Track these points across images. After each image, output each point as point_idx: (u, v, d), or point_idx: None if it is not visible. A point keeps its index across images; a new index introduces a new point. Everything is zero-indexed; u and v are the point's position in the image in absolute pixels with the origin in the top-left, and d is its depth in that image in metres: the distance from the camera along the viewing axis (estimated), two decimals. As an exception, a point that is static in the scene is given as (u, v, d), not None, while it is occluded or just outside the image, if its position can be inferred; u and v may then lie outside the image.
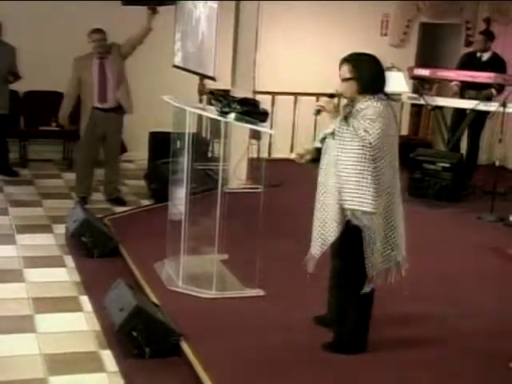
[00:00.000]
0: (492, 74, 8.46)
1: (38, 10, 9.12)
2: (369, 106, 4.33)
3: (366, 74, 4.39)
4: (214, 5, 7.89)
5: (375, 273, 4.46)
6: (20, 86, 9.09)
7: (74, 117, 7.89)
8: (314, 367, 4.45)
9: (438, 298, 5.61)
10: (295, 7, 9.95)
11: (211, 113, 5.55)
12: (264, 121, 5.26)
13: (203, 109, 5.94)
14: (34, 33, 9.02)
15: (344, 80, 4.42)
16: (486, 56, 8.98)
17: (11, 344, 4.78)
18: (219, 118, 5.39)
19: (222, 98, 5.35)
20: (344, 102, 4.62)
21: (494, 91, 8.58)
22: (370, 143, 4.24)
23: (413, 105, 10.26)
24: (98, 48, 7.62)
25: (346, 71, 4.41)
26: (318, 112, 4.57)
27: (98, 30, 7.66)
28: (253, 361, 4.50)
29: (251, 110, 5.21)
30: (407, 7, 10.63)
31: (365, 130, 4.25)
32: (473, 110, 8.60)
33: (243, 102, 5.28)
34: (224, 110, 5.28)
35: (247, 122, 5.23)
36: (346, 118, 4.38)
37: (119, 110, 7.82)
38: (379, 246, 4.43)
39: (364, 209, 4.31)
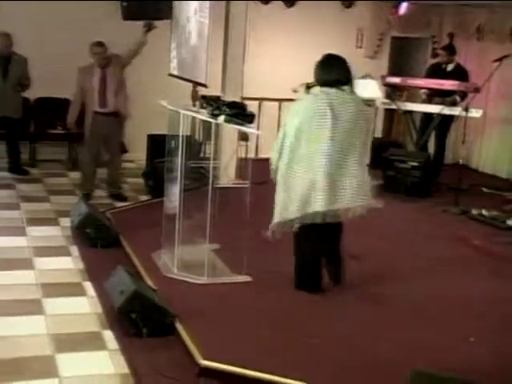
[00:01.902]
0: (456, 82, 8.50)
1: (48, 23, 9.12)
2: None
3: (314, 69, 5.05)
4: (205, 20, 7.90)
5: (276, 221, 5.09)
6: (30, 93, 9.06)
7: (78, 121, 7.88)
8: (293, 338, 4.46)
9: (410, 279, 5.65)
10: (280, 23, 9.94)
11: (203, 115, 5.54)
12: (251, 122, 5.26)
13: (196, 111, 5.91)
14: (44, 44, 8.97)
15: None
16: (450, 67, 9.02)
17: (22, 325, 4.76)
18: (210, 120, 5.38)
19: (213, 102, 5.34)
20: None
21: (457, 98, 8.61)
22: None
23: (386, 109, 10.27)
24: (100, 60, 7.61)
25: None
26: (295, 91, 5.58)
27: (100, 44, 7.64)
28: (240, 338, 4.49)
29: (239, 113, 5.20)
30: (379, 22, 10.64)
31: None
32: (439, 115, 8.64)
33: (232, 105, 5.27)
34: (214, 112, 5.26)
35: (235, 123, 5.22)
36: None
37: (118, 114, 7.79)
38: (281, 198, 5.07)
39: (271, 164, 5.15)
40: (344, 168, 4.90)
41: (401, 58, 11.21)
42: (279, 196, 5.08)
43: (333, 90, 4.88)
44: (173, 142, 5.70)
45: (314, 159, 4.87)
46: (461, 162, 8.45)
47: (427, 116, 8.93)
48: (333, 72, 4.94)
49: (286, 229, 5.11)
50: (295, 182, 4.94)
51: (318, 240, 5.14)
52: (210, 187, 5.38)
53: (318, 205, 4.87)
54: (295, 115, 4.98)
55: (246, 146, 8.99)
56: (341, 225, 5.22)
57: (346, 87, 4.93)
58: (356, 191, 4.93)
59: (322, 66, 5.00)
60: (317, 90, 4.97)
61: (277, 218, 5.09)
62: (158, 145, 7.77)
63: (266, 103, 9.80)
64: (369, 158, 5.13)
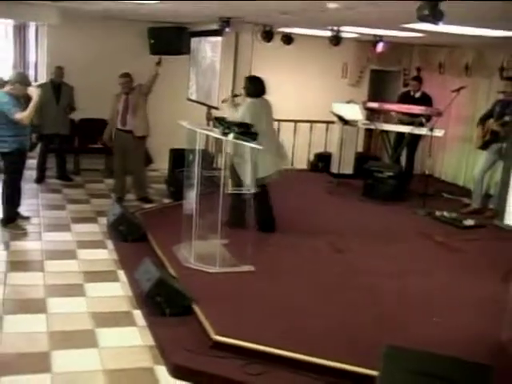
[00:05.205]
0: (423, 107, 8.50)
1: (89, 58, 9.14)
2: (244, 103, 6.31)
3: (247, 85, 6.31)
4: (217, 56, 7.92)
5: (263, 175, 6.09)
6: (75, 115, 9.06)
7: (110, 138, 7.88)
8: (292, 317, 4.43)
9: (383, 269, 5.62)
10: (280, 57, 9.91)
11: (215, 133, 5.53)
12: (255, 139, 5.23)
13: (210, 130, 5.89)
14: (86, 76, 8.97)
15: (243, 88, 6.42)
16: (418, 94, 8.98)
17: (67, 304, 4.78)
18: (221, 137, 5.37)
19: (224, 122, 5.33)
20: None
21: (423, 119, 8.60)
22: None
23: (366, 129, 10.23)
24: (123, 88, 7.64)
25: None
26: (223, 101, 6.84)
27: (124, 75, 7.64)
28: (246, 317, 4.48)
29: (245, 131, 5.18)
30: (361, 57, 10.66)
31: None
32: (409, 134, 8.62)
33: (239, 125, 5.25)
34: (225, 131, 5.25)
35: (242, 140, 5.20)
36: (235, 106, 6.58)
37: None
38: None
39: None
40: (276, 143, 6.30)
41: (378, 87, 11.20)
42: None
43: (261, 99, 6.25)
44: (190, 155, 5.69)
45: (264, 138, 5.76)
46: (427, 172, 8.43)
47: (399, 134, 8.91)
48: (261, 87, 6.29)
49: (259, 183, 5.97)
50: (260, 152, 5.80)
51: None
52: (220, 192, 5.37)
53: (281, 165, 6.32)
54: (248, 112, 6.07)
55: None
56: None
57: (265, 96, 6.29)
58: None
59: (253, 83, 6.31)
60: (249, 99, 6.25)
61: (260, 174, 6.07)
62: (178, 157, 7.74)
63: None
64: None
